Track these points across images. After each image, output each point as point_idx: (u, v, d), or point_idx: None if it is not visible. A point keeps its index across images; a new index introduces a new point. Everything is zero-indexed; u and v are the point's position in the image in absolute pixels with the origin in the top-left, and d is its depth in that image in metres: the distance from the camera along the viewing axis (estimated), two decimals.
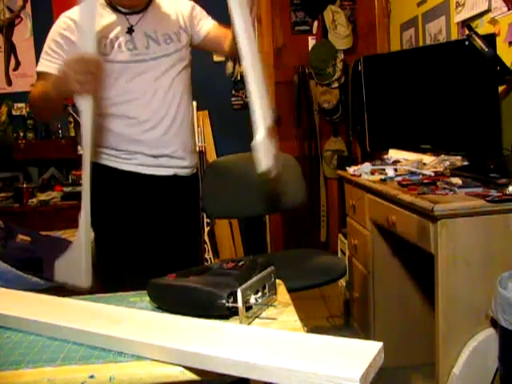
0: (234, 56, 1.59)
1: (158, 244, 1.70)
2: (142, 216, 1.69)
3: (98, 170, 1.63)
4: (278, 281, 1.12)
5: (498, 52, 2.00)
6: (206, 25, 1.78)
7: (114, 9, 1.65)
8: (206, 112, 3.74)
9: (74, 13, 1.60)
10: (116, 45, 1.60)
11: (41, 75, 1.64)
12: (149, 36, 1.65)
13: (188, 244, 1.81)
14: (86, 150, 1.41)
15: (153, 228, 1.69)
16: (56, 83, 1.48)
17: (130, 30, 1.63)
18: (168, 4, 1.73)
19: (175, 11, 1.73)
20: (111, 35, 1.61)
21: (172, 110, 1.66)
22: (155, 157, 1.65)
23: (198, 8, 1.79)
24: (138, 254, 1.66)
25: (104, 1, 1.65)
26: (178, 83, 1.69)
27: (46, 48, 1.67)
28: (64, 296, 1.22)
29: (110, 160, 1.66)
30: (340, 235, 3.22)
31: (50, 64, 1.62)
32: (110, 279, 1.63)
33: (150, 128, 1.63)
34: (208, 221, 3.61)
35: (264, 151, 1.37)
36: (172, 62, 1.67)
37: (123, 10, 1.64)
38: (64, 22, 1.63)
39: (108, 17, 1.64)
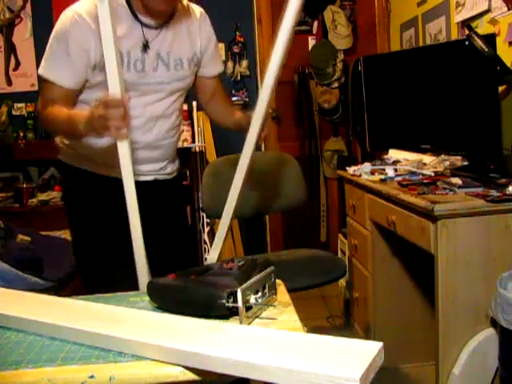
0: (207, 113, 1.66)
1: (154, 245, 1.69)
2: (124, 220, 1.67)
3: (79, 174, 1.62)
4: (278, 281, 1.12)
5: (498, 52, 2.00)
6: (212, 71, 1.71)
7: (134, 15, 1.50)
8: None
9: (82, 7, 1.46)
10: (126, 62, 1.48)
11: (49, 83, 1.50)
12: (161, 58, 1.54)
13: (177, 244, 1.79)
14: (128, 179, 1.36)
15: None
16: (87, 125, 1.33)
17: (145, 47, 1.51)
18: (190, 24, 1.61)
19: (195, 34, 1.62)
20: (124, 49, 1.48)
21: (162, 132, 1.62)
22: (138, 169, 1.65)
23: (216, 43, 1.70)
24: (123, 258, 1.64)
25: (125, 2, 1.50)
26: (175, 105, 1.65)
27: (53, 50, 1.50)
28: (64, 296, 1.23)
29: (92, 167, 1.63)
30: (340, 235, 3.21)
31: (60, 73, 1.48)
32: (95, 284, 1.61)
33: (139, 147, 1.59)
34: (208, 221, 3.61)
35: None
36: (175, 87, 1.61)
37: (143, 19, 1.50)
38: (73, 19, 1.46)
39: (126, 23, 1.49)
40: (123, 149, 1.30)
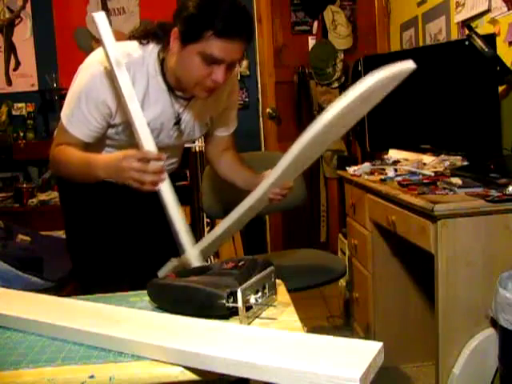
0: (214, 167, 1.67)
1: (154, 245, 1.69)
2: (118, 221, 1.67)
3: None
4: (278, 281, 1.12)
5: (498, 52, 2.00)
6: (225, 131, 1.66)
7: (167, 85, 1.43)
8: None
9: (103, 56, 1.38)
10: (155, 134, 1.44)
11: (68, 134, 1.44)
12: (187, 125, 1.52)
13: (175, 244, 1.80)
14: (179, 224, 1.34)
15: (130, 231, 1.67)
16: (109, 172, 1.30)
17: (178, 121, 1.48)
18: (219, 94, 1.53)
19: (219, 103, 1.57)
20: (157, 125, 1.45)
21: (172, 160, 1.66)
22: None
23: (236, 107, 1.66)
24: (116, 259, 1.64)
25: (158, 68, 1.41)
26: (180, 151, 1.69)
27: (75, 104, 1.41)
28: (64, 296, 1.22)
29: None
30: (340, 235, 3.21)
31: (80, 130, 1.43)
32: (102, 284, 1.61)
33: None
34: (208, 221, 3.61)
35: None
36: (183, 143, 1.63)
37: (176, 92, 1.44)
38: (95, 74, 1.38)
39: (156, 93, 1.43)
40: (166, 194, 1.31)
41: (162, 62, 1.41)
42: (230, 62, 1.30)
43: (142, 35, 1.43)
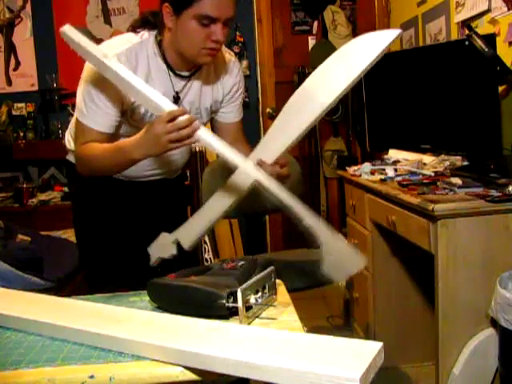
0: None
1: (146, 245, 1.69)
2: (127, 217, 1.68)
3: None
4: (277, 281, 1.12)
5: (498, 52, 2.00)
6: (232, 117, 1.66)
7: (166, 64, 1.47)
8: None
9: (109, 51, 1.39)
10: (149, 113, 1.46)
11: (86, 127, 1.46)
12: (192, 107, 1.54)
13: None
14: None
15: (139, 227, 1.69)
16: (144, 148, 1.30)
17: (176, 100, 1.49)
18: (218, 74, 1.57)
19: (220, 84, 1.58)
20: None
21: (175, 161, 1.66)
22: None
23: (242, 91, 1.65)
24: (125, 257, 1.65)
25: (157, 50, 1.45)
26: None
27: (86, 98, 1.44)
28: (64, 296, 1.23)
29: None
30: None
31: (97, 121, 1.45)
32: (105, 282, 1.62)
33: (153, 169, 1.64)
34: None
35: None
36: None
37: (176, 70, 1.48)
38: (99, 74, 1.39)
39: (155, 73, 1.46)
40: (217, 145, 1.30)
41: (160, 44, 1.45)
42: (224, 19, 1.33)
43: (137, 25, 1.48)
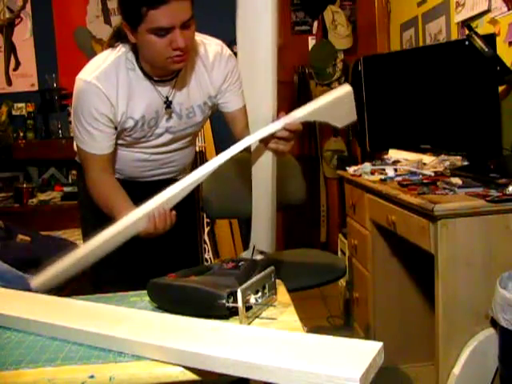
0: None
1: (154, 245, 1.70)
2: None
3: None
4: (277, 281, 1.12)
5: (498, 52, 1.99)
6: (236, 104, 1.62)
7: (144, 74, 1.48)
8: None
9: (89, 73, 1.44)
10: (139, 124, 1.50)
11: (89, 154, 1.50)
12: (182, 107, 1.54)
13: (185, 244, 1.81)
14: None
15: None
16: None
17: (169, 104, 1.51)
18: (202, 70, 1.55)
19: (207, 80, 1.56)
20: (137, 115, 1.49)
21: (178, 162, 1.68)
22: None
23: (238, 77, 1.59)
24: (133, 255, 1.66)
25: (135, 61, 1.46)
26: (192, 136, 1.68)
27: (80, 124, 1.47)
28: (64, 296, 1.22)
29: None
30: (340, 235, 3.21)
31: (97, 144, 1.48)
32: (105, 282, 1.63)
33: (153, 169, 1.66)
34: (208, 221, 3.61)
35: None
36: (187, 132, 1.62)
37: (155, 78, 1.48)
38: (83, 89, 1.45)
39: (137, 86, 1.47)
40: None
41: (137, 56, 1.46)
42: (180, 24, 1.31)
43: (113, 41, 1.50)
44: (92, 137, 1.46)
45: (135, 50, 1.45)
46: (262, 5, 1.20)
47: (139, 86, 1.47)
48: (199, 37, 1.53)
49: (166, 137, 1.57)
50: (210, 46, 1.55)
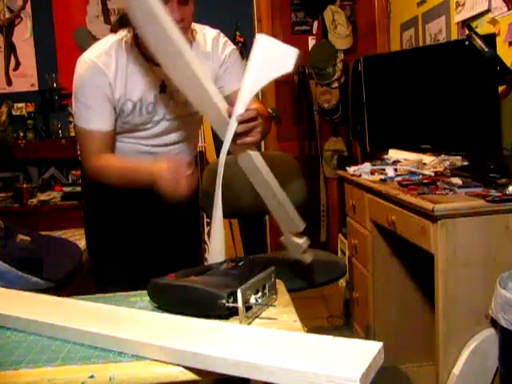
0: None
1: (156, 244, 1.70)
2: (136, 216, 1.68)
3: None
4: (277, 281, 1.12)
5: (498, 52, 1.99)
6: (233, 87, 1.57)
7: (144, 56, 1.48)
8: None
9: (94, 54, 1.46)
10: (138, 108, 1.50)
11: (88, 133, 1.49)
12: (171, 96, 1.54)
13: (187, 244, 1.81)
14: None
15: (148, 226, 1.69)
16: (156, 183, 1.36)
17: (163, 88, 1.51)
18: (200, 56, 1.53)
19: (207, 62, 1.56)
20: (135, 97, 1.49)
21: (178, 154, 1.65)
22: None
23: (236, 59, 1.60)
24: (135, 255, 1.66)
25: (134, 44, 1.48)
26: (192, 128, 1.67)
27: (81, 101, 1.48)
28: (64, 296, 1.22)
29: None
30: (340, 235, 3.21)
31: (97, 120, 1.48)
32: (108, 281, 1.63)
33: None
34: (208, 221, 3.60)
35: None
36: (188, 121, 1.61)
37: (154, 62, 1.47)
38: (88, 67, 1.46)
39: (137, 68, 1.48)
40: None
41: (137, 38, 1.46)
42: None
43: (116, 26, 1.52)
44: (92, 110, 1.46)
45: (136, 34, 1.45)
46: (149, 16, 1.19)
47: (137, 69, 1.48)
48: (198, 27, 1.55)
49: (163, 124, 1.56)
50: (208, 34, 1.57)
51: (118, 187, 1.52)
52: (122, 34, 1.49)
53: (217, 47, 1.57)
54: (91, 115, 1.47)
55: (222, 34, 1.60)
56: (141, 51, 1.47)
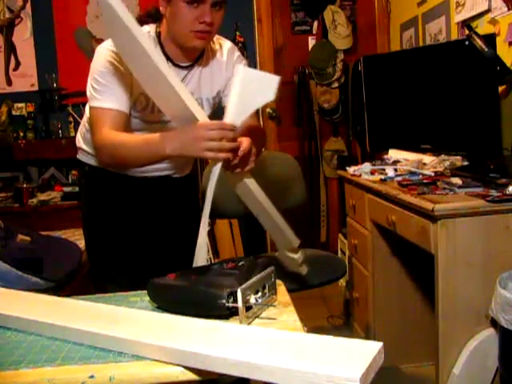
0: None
1: (155, 244, 1.70)
2: (136, 216, 1.68)
3: (97, 172, 1.64)
4: (277, 281, 1.12)
5: (498, 52, 2.00)
6: None
7: (165, 55, 1.49)
8: None
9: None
10: (151, 104, 1.50)
11: (104, 113, 1.45)
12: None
13: (187, 244, 1.81)
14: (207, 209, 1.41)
15: (148, 226, 1.69)
16: (180, 144, 1.29)
17: None
18: (216, 63, 1.59)
19: (220, 74, 1.60)
20: None
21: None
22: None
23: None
24: (135, 254, 1.66)
25: (157, 42, 1.49)
26: None
27: (99, 82, 1.45)
28: (64, 296, 1.22)
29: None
30: (340, 235, 3.21)
31: (114, 98, 1.45)
32: (107, 281, 1.63)
33: (155, 169, 1.63)
34: (208, 221, 3.60)
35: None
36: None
37: (175, 60, 1.51)
38: (109, 55, 1.45)
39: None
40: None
41: (160, 37, 1.49)
42: (212, 0, 1.36)
43: (140, 20, 1.48)
44: (110, 92, 1.43)
45: (159, 30, 1.49)
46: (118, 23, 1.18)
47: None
48: (215, 36, 1.55)
49: (172, 125, 1.56)
50: (224, 44, 1.61)
51: (130, 165, 1.50)
52: (145, 29, 1.49)
53: (231, 58, 1.61)
54: (108, 96, 1.44)
55: (236, 48, 1.65)
56: (163, 50, 1.49)
